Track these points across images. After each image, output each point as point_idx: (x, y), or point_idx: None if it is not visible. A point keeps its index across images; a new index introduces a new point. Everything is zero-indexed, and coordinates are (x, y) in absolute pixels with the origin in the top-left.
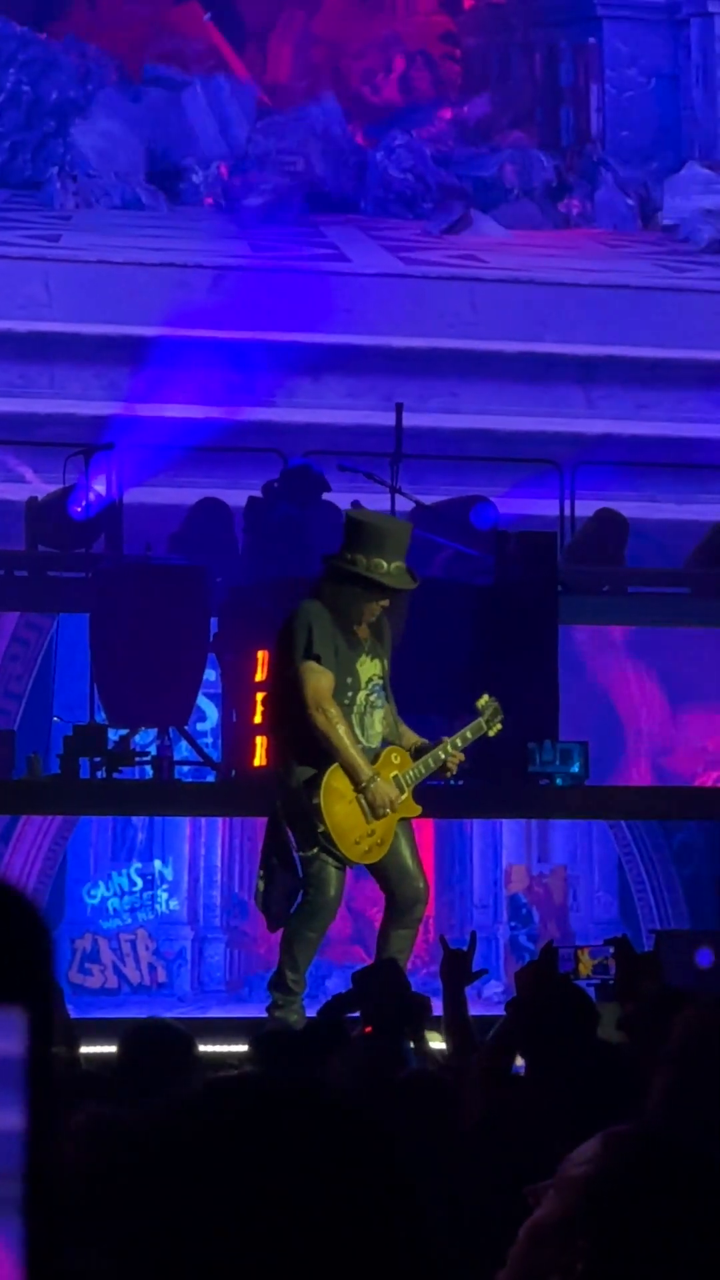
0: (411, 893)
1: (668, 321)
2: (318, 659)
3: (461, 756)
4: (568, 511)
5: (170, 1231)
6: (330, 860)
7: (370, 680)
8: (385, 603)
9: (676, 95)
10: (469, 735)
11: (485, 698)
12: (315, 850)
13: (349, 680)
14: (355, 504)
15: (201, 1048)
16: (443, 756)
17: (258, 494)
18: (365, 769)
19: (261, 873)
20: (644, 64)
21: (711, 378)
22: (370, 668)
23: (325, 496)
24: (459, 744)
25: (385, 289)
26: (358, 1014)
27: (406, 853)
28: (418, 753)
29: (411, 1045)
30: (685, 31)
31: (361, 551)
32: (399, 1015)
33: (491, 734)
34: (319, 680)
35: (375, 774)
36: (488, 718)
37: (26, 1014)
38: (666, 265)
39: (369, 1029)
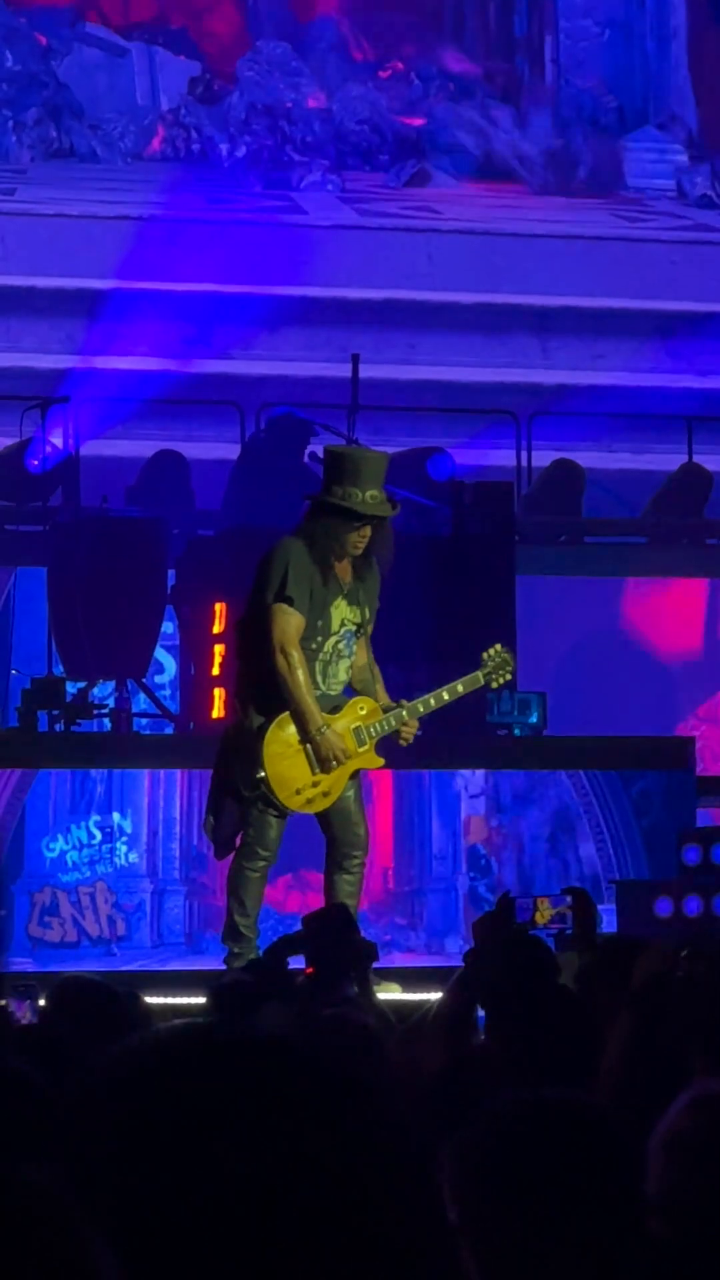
0: (351, 838)
1: (623, 272)
2: (290, 601)
3: (417, 726)
4: (524, 462)
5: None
6: (269, 808)
7: (343, 625)
8: (366, 533)
9: (630, 45)
10: (460, 689)
11: (495, 648)
12: (255, 794)
13: (320, 624)
14: (311, 456)
15: (161, 1000)
16: (405, 716)
17: (231, 445)
18: (316, 718)
19: (210, 802)
20: (598, 14)
21: (666, 328)
22: (345, 612)
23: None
24: (445, 697)
25: (341, 241)
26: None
27: (350, 798)
28: (386, 710)
29: (356, 990)
30: None
31: (338, 483)
32: (344, 959)
33: (494, 686)
34: (287, 622)
35: (326, 725)
36: (490, 670)
37: None
38: (621, 215)
39: (310, 970)
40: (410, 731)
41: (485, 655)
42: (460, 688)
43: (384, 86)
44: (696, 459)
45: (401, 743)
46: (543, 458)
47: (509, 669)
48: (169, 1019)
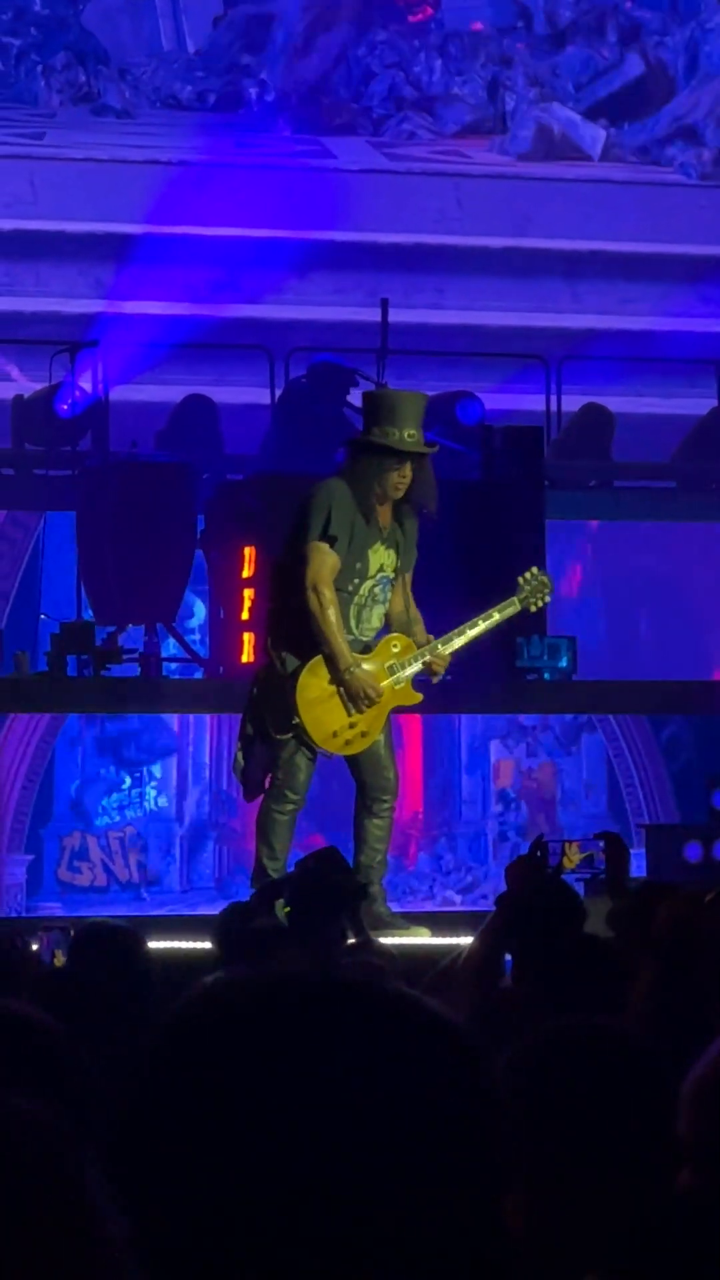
0: (380, 782)
1: (652, 216)
2: (332, 541)
3: (448, 660)
4: (554, 406)
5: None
6: (303, 749)
7: (380, 570)
8: (407, 474)
9: None
10: (496, 616)
11: (532, 570)
12: (289, 736)
13: (357, 566)
14: (351, 405)
15: (188, 944)
16: (440, 649)
17: (261, 389)
18: (346, 657)
19: (240, 744)
20: None
21: (696, 272)
22: (383, 556)
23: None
24: (481, 625)
25: (371, 185)
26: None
27: (380, 742)
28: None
29: (347, 929)
30: None
31: (376, 424)
32: (328, 899)
33: (533, 610)
34: (323, 561)
35: (356, 664)
36: (526, 594)
37: None
38: (649, 159)
39: (288, 908)
40: (441, 666)
41: (521, 579)
42: (496, 614)
43: (414, 31)
44: None
45: (432, 678)
46: (572, 402)
47: (547, 591)
48: (190, 965)
